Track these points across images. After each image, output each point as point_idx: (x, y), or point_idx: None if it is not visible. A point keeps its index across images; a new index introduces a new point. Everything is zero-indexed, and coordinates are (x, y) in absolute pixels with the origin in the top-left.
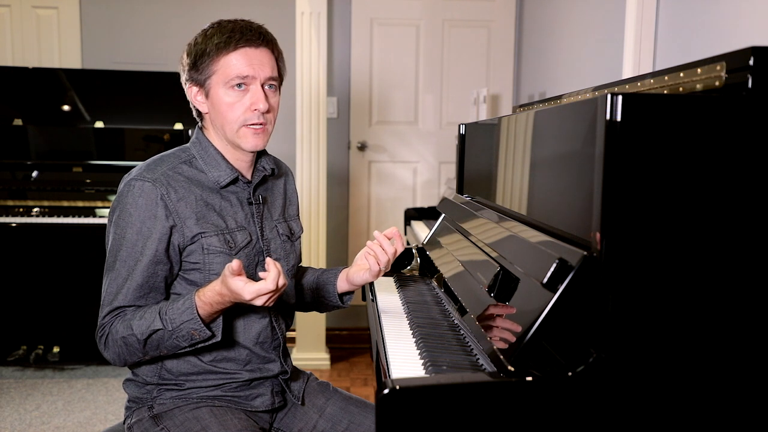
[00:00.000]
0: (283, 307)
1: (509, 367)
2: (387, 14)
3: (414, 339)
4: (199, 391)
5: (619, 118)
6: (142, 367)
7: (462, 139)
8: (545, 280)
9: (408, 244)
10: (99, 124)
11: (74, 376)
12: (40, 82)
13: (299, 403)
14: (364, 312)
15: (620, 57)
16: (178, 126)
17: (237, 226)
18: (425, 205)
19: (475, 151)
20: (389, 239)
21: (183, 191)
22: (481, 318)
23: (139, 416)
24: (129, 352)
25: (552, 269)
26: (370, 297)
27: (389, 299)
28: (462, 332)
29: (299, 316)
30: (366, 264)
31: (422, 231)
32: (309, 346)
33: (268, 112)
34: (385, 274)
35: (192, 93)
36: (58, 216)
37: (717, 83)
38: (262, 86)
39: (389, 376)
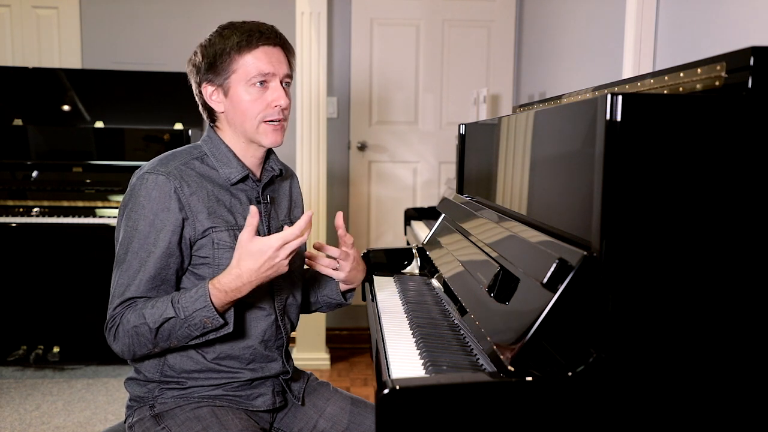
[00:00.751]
0: (289, 307)
1: (509, 367)
2: (387, 14)
3: (414, 339)
4: (201, 390)
5: (619, 118)
6: (145, 363)
7: (462, 139)
8: (545, 280)
9: (408, 244)
10: (99, 124)
11: (74, 376)
12: (40, 82)
13: (299, 403)
14: (364, 312)
15: (620, 57)
16: (178, 126)
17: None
18: (425, 205)
19: (475, 151)
20: (317, 249)
21: (195, 186)
22: (481, 318)
23: (140, 415)
24: (139, 343)
25: (552, 269)
26: (370, 297)
27: (389, 299)
28: (462, 332)
29: (300, 316)
30: (340, 275)
31: (422, 231)
32: (309, 346)
33: (285, 108)
34: (385, 275)
35: (207, 93)
36: (58, 216)
37: (717, 83)
38: (281, 83)
39: (389, 375)
